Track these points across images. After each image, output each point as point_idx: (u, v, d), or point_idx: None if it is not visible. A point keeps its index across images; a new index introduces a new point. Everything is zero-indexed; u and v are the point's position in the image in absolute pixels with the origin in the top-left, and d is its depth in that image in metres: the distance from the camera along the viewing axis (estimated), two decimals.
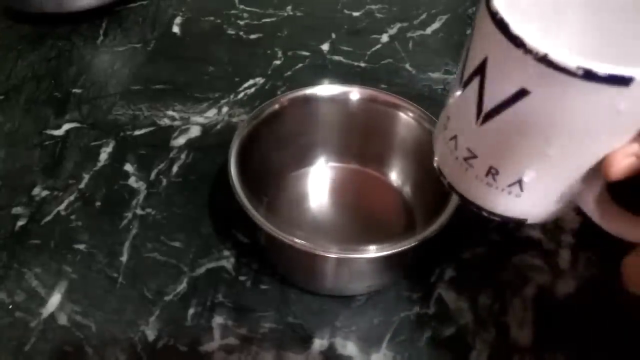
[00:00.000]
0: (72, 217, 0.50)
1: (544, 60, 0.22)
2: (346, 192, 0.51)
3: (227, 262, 0.47)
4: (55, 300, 0.44)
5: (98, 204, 0.51)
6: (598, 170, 0.25)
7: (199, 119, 0.58)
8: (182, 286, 0.45)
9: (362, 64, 0.65)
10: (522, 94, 0.24)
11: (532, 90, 0.23)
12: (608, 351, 0.42)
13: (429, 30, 0.70)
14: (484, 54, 0.25)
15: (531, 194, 0.27)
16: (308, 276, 0.44)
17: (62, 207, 0.51)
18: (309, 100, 0.50)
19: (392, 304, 0.44)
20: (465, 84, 0.27)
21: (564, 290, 0.45)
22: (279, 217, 0.48)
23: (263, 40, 0.68)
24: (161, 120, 0.58)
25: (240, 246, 0.48)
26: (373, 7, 0.73)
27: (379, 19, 0.72)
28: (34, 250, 0.47)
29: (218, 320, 0.43)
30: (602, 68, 0.21)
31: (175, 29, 0.69)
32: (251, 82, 0.62)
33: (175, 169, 0.54)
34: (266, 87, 0.62)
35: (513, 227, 0.49)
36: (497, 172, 0.27)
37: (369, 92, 0.49)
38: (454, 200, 0.41)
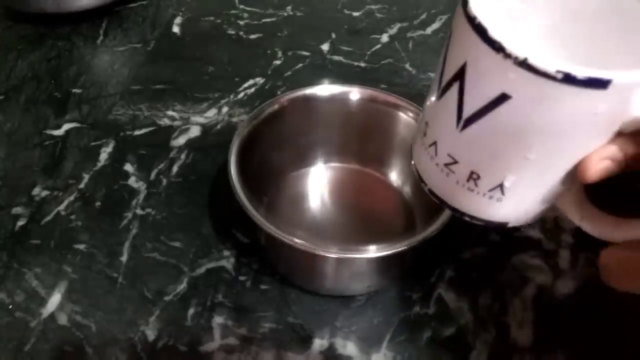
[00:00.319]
0: (72, 217, 0.50)
1: (524, 64, 0.22)
2: (346, 192, 0.51)
3: (227, 262, 0.47)
4: (55, 300, 0.44)
5: (98, 204, 0.51)
6: (576, 173, 0.26)
7: (199, 119, 0.58)
8: (182, 286, 0.45)
9: (362, 64, 0.65)
10: (502, 98, 0.24)
11: (513, 95, 0.23)
12: (608, 351, 0.42)
13: (429, 30, 0.70)
14: (462, 59, 0.25)
15: (512, 198, 0.28)
16: (308, 276, 0.44)
17: (62, 207, 0.51)
18: (309, 100, 0.50)
19: (392, 304, 0.44)
20: (444, 90, 0.27)
21: (564, 290, 0.45)
22: (279, 217, 0.48)
23: (263, 40, 0.68)
24: (161, 120, 0.58)
25: (240, 246, 0.48)
26: (373, 7, 0.73)
27: (379, 19, 0.72)
28: (34, 250, 0.47)
29: (218, 320, 0.43)
30: (581, 71, 0.22)
31: (175, 29, 0.69)
32: (251, 82, 0.62)
33: (175, 169, 0.54)
34: (266, 87, 0.62)
35: (512, 226, 0.49)
36: (478, 177, 0.27)
37: (369, 92, 0.49)
38: None
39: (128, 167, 0.54)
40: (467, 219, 0.30)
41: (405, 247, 0.39)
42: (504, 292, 0.45)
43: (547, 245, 0.48)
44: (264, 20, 0.70)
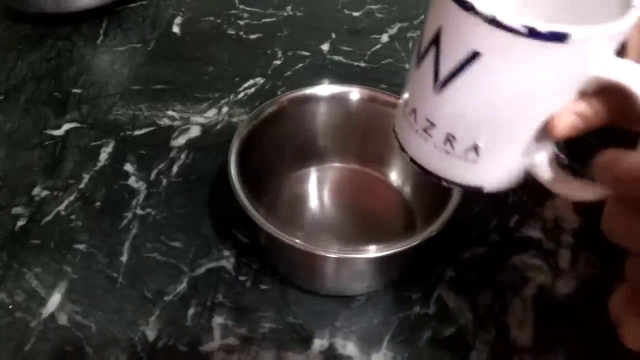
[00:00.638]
0: (72, 217, 0.50)
1: (493, 21, 0.24)
2: (346, 192, 0.51)
3: (227, 262, 0.47)
4: (55, 300, 0.44)
5: (98, 204, 0.51)
6: (545, 132, 0.27)
7: (199, 119, 0.58)
8: (182, 286, 0.45)
9: (362, 64, 0.65)
10: (474, 56, 0.26)
11: (483, 52, 0.25)
12: (608, 351, 0.42)
13: None
14: (437, 24, 0.27)
15: (486, 159, 0.29)
16: (308, 276, 0.44)
17: (62, 207, 0.51)
18: (309, 100, 0.50)
19: (392, 304, 0.44)
20: (422, 57, 0.29)
21: (564, 290, 0.45)
22: (279, 217, 0.48)
23: (263, 40, 0.68)
24: (161, 120, 0.58)
25: (240, 246, 0.48)
26: (373, 7, 0.73)
27: (379, 19, 0.72)
28: (34, 250, 0.47)
29: (218, 320, 0.43)
30: (544, 26, 0.24)
31: (175, 29, 0.69)
32: (251, 82, 0.62)
33: (175, 169, 0.54)
34: (266, 87, 0.62)
35: (513, 226, 0.49)
36: (454, 139, 0.29)
37: (369, 92, 0.49)
38: (454, 200, 0.41)
39: (128, 167, 0.54)
40: (444, 184, 0.32)
41: (405, 247, 0.39)
42: (504, 292, 0.45)
43: (547, 245, 0.48)
44: (264, 20, 0.70)
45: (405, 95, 0.31)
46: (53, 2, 0.67)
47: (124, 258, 0.47)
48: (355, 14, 0.72)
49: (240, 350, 0.41)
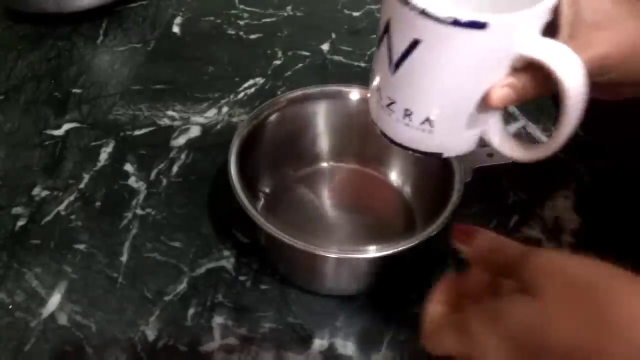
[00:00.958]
0: (72, 217, 0.50)
1: (424, 13, 0.28)
2: (346, 192, 0.51)
3: (227, 262, 0.47)
4: (55, 300, 0.44)
5: (98, 204, 0.51)
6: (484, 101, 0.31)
7: (199, 119, 0.58)
8: (182, 286, 0.45)
9: (362, 64, 0.65)
10: (415, 43, 0.30)
11: (422, 39, 0.30)
12: None
13: None
14: (387, 16, 0.32)
15: (440, 129, 0.33)
16: (308, 276, 0.44)
17: (62, 207, 0.51)
18: (308, 100, 0.49)
19: (392, 304, 0.44)
20: (379, 43, 0.33)
21: None
22: (279, 216, 0.48)
23: (263, 40, 0.68)
24: (161, 120, 0.58)
25: (240, 246, 0.48)
26: (373, 7, 0.73)
27: (379, 19, 0.72)
28: (34, 250, 0.47)
29: (218, 320, 0.43)
30: (465, 16, 0.28)
31: (175, 29, 0.69)
32: (251, 82, 0.62)
33: (175, 169, 0.54)
34: (266, 87, 0.62)
35: (513, 226, 0.49)
36: (411, 113, 0.33)
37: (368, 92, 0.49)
38: (453, 200, 0.41)
39: (128, 167, 0.54)
40: (410, 152, 0.36)
41: (405, 247, 0.39)
42: None
43: (547, 245, 0.48)
44: (264, 20, 0.70)
45: (373, 76, 0.36)
46: (53, 2, 0.67)
47: (124, 258, 0.47)
48: (355, 14, 0.72)
49: (240, 350, 0.41)
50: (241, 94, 0.61)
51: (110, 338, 0.42)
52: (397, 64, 0.32)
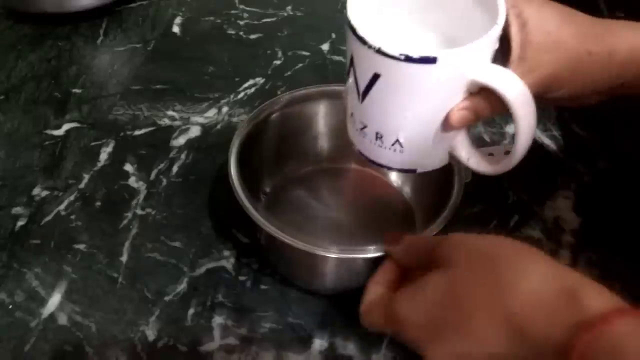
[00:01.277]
0: (72, 217, 0.50)
1: (380, 51, 0.31)
2: (346, 192, 0.51)
3: (227, 262, 0.47)
4: (55, 300, 0.44)
5: (98, 204, 0.51)
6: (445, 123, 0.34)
7: (199, 119, 0.58)
8: (182, 286, 0.45)
9: None
10: (376, 77, 0.33)
11: (381, 74, 0.32)
12: None
13: None
14: (350, 52, 0.34)
15: (410, 149, 0.36)
16: (308, 276, 0.44)
17: (62, 207, 0.51)
18: (308, 100, 0.49)
19: None
20: (348, 73, 0.36)
21: None
22: (279, 216, 0.48)
23: (263, 40, 0.68)
24: (161, 120, 0.58)
25: (240, 246, 0.48)
26: None
27: None
28: (34, 250, 0.47)
29: (218, 320, 0.43)
30: (416, 52, 0.30)
31: (175, 29, 0.69)
32: (251, 82, 0.62)
33: (175, 169, 0.54)
34: (266, 87, 0.62)
35: (513, 226, 0.49)
36: (382, 136, 0.36)
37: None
38: (453, 200, 0.41)
39: (128, 167, 0.54)
40: (385, 169, 0.40)
41: None
42: None
43: (547, 245, 0.48)
44: (264, 20, 0.70)
45: (346, 101, 0.38)
46: (53, 2, 0.67)
47: (124, 258, 0.47)
48: None
49: (240, 350, 0.41)
50: (241, 94, 0.61)
51: (110, 338, 0.42)
52: (364, 94, 0.34)
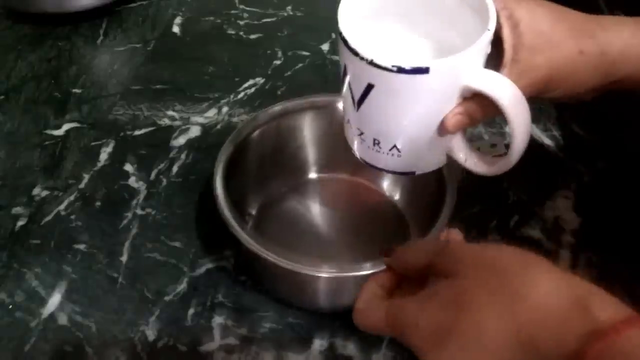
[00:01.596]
0: (72, 217, 0.50)
1: (372, 63, 0.31)
2: (337, 202, 0.51)
3: (227, 262, 0.47)
4: (55, 300, 0.44)
5: (98, 204, 0.51)
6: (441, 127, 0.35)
7: (199, 119, 0.58)
8: (182, 286, 0.45)
9: None
10: (370, 87, 0.33)
11: (375, 84, 0.33)
12: None
13: None
14: (343, 63, 0.34)
15: (408, 153, 0.36)
16: (306, 297, 0.43)
17: (62, 207, 0.51)
18: (295, 112, 0.49)
19: None
20: (342, 82, 0.36)
21: None
22: (268, 230, 0.48)
23: (263, 40, 0.68)
24: (161, 120, 0.58)
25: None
26: None
27: None
28: (34, 250, 0.47)
29: (218, 320, 0.43)
30: (408, 64, 0.31)
31: (175, 29, 0.69)
32: (251, 82, 0.62)
33: (175, 169, 0.54)
34: (266, 87, 0.62)
35: (513, 226, 0.49)
36: (379, 142, 0.36)
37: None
38: (447, 207, 0.41)
39: (128, 167, 0.54)
40: (385, 172, 0.41)
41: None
42: None
43: (547, 245, 0.48)
44: (264, 20, 0.70)
45: (343, 108, 0.39)
46: (53, 2, 0.67)
47: (124, 258, 0.47)
48: None
49: (240, 350, 0.41)
50: (241, 94, 0.61)
51: (110, 338, 0.42)
52: (359, 103, 0.35)
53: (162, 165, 0.54)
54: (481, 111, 0.34)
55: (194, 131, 0.57)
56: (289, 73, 0.63)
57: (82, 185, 0.52)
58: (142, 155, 0.55)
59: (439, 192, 0.43)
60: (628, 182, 0.52)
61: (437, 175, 0.44)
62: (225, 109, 0.59)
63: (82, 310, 0.44)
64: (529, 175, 0.52)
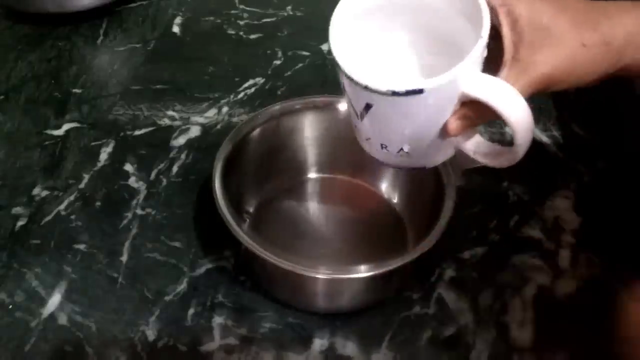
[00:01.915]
0: (72, 217, 0.50)
1: (367, 88, 0.33)
2: (335, 204, 0.50)
3: (227, 262, 0.47)
4: (55, 300, 0.44)
5: (98, 204, 0.51)
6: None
7: (199, 119, 0.58)
8: (182, 286, 0.45)
9: None
10: (368, 106, 0.35)
11: (373, 103, 0.34)
12: (608, 351, 0.42)
13: None
14: (342, 83, 0.36)
15: (416, 154, 0.38)
16: (294, 295, 0.44)
17: (62, 207, 0.51)
18: (298, 111, 0.49)
19: (392, 304, 0.44)
20: (343, 94, 0.37)
21: (564, 290, 0.45)
22: (267, 230, 0.48)
23: (263, 40, 0.68)
24: (161, 120, 0.58)
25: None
26: None
27: None
28: (34, 250, 0.47)
29: (218, 320, 0.43)
30: (402, 87, 0.32)
31: (175, 29, 0.69)
32: (251, 82, 0.62)
33: (175, 169, 0.54)
34: (266, 87, 0.62)
35: (513, 226, 0.49)
36: (386, 146, 0.38)
37: None
38: (447, 209, 0.41)
39: (128, 167, 0.54)
40: (397, 168, 0.43)
41: (395, 267, 0.39)
42: (504, 292, 0.45)
43: (547, 245, 0.48)
44: (264, 20, 0.70)
45: (350, 113, 0.39)
46: (53, 2, 0.67)
47: (124, 258, 0.47)
48: None
49: (240, 350, 0.41)
50: (241, 94, 0.61)
51: (110, 338, 0.42)
52: (361, 116, 0.36)
53: (162, 165, 0.54)
54: (481, 114, 0.34)
55: (194, 131, 0.57)
56: (289, 73, 0.63)
57: (82, 185, 0.52)
58: (142, 155, 0.55)
59: (438, 195, 0.43)
60: (628, 182, 0.52)
61: (436, 178, 0.44)
62: (225, 109, 0.59)
63: (82, 310, 0.44)
64: (529, 175, 0.52)
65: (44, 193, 0.52)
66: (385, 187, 0.50)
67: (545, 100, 0.58)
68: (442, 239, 0.40)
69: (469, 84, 0.32)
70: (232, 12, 0.71)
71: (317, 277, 0.39)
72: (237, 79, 0.62)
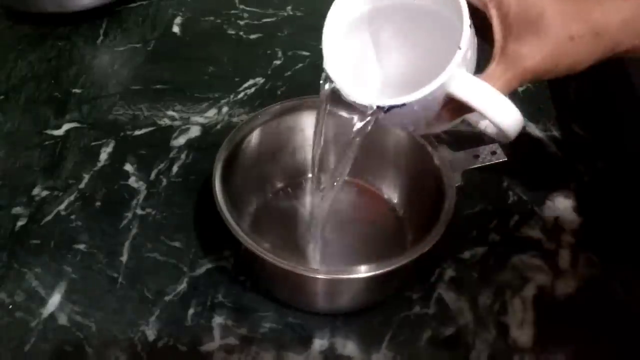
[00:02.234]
0: (72, 217, 0.50)
1: (355, 103, 0.36)
2: (335, 203, 0.50)
3: (227, 262, 0.47)
4: (55, 300, 0.44)
5: (98, 204, 0.51)
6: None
7: (199, 119, 0.58)
8: (182, 286, 0.45)
9: None
10: (362, 112, 0.36)
11: (364, 111, 0.36)
12: (608, 351, 0.42)
13: None
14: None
15: (426, 131, 0.42)
16: (292, 294, 0.44)
17: (62, 207, 0.51)
18: (298, 111, 0.49)
19: (392, 304, 0.44)
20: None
21: (564, 290, 0.45)
22: (266, 231, 0.47)
23: (263, 40, 0.68)
24: (161, 120, 0.58)
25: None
26: None
27: None
28: (34, 250, 0.47)
29: (218, 320, 0.43)
30: (385, 102, 0.34)
31: (175, 29, 0.69)
32: (251, 82, 0.62)
33: (175, 169, 0.54)
34: (266, 87, 0.62)
35: (513, 226, 0.49)
36: (395, 125, 0.43)
37: None
38: (446, 212, 0.41)
39: (128, 167, 0.54)
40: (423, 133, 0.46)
41: (394, 267, 0.39)
42: (504, 292, 0.45)
43: (547, 245, 0.48)
44: (264, 20, 0.70)
45: None
46: (53, 2, 0.67)
47: (124, 258, 0.47)
48: None
49: (240, 350, 0.41)
50: (241, 94, 0.61)
51: (110, 338, 0.42)
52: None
53: (162, 165, 0.54)
54: (469, 105, 0.34)
55: (194, 131, 0.57)
56: (289, 73, 0.63)
57: (82, 185, 0.52)
58: (142, 155, 0.55)
59: (438, 195, 0.43)
60: (628, 182, 0.52)
61: (436, 178, 0.44)
62: (225, 109, 0.59)
63: (82, 310, 0.44)
64: (529, 175, 0.52)
65: (44, 193, 0.52)
66: (385, 187, 0.50)
67: (545, 100, 0.58)
68: (442, 239, 0.40)
69: (451, 86, 0.33)
70: (232, 12, 0.71)
71: (317, 277, 0.40)
72: (237, 79, 0.62)
